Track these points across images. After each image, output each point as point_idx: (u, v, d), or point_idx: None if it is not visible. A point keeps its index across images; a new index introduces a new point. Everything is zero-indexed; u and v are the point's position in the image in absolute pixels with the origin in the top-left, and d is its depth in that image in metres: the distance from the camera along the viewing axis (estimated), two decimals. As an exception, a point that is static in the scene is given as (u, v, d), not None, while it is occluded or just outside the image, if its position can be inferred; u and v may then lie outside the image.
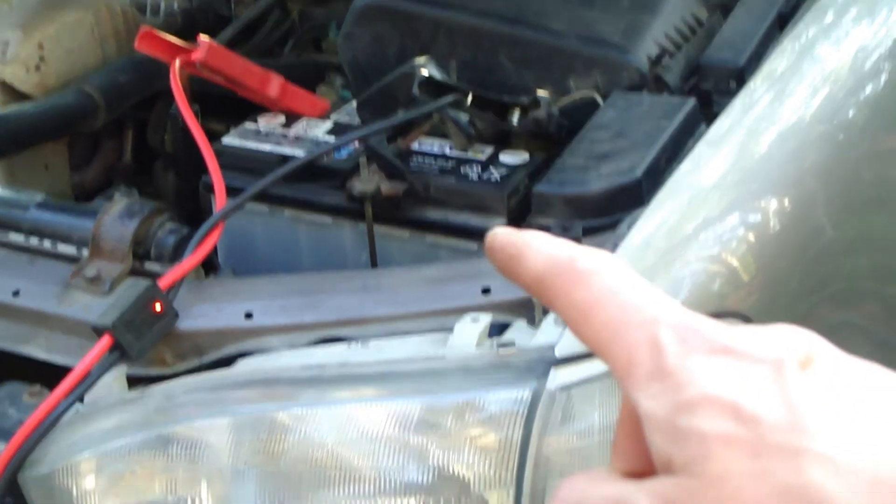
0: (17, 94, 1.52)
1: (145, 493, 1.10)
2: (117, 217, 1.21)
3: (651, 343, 0.40)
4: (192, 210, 1.39)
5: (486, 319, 1.07)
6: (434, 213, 1.24)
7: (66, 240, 1.24)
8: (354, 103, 1.45)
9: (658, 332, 0.40)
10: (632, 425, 0.42)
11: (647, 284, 0.42)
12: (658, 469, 0.38)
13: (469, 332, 1.06)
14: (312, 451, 1.07)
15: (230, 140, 1.36)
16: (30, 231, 1.26)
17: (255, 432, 1.07)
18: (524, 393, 1.02)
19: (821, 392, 0.37)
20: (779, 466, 0.35)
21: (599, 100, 1.33)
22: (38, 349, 1.17)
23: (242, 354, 1.12)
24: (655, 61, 1.38)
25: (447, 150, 1.29)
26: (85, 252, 1.21)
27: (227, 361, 1.11)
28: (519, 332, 1.07)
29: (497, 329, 1.08)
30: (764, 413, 0.37)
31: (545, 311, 1.06)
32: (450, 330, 1.07)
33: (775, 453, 0.36)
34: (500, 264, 0.45)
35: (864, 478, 0.35)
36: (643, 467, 0.40)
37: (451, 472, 1.06)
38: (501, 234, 0.46)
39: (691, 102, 1.29)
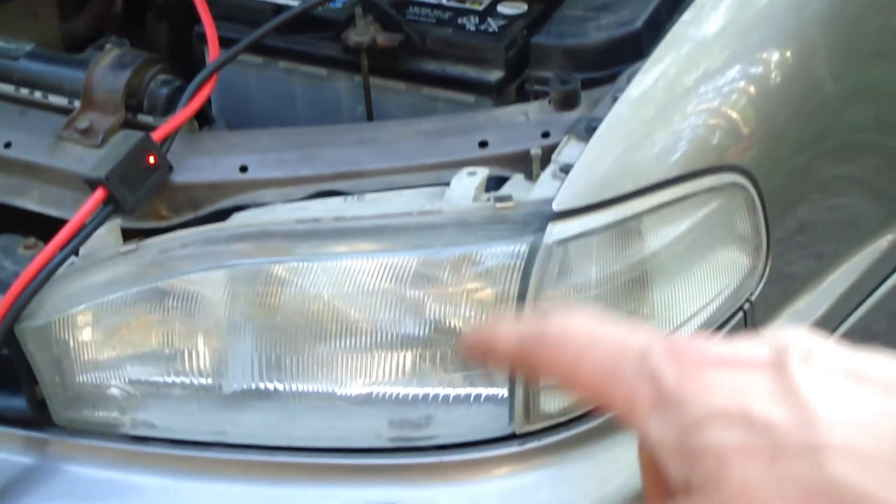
0: (4, -59, 1.48)
1: (141, 345, 1.11)
2: (109, 68, 1.19)
3: (645, 375, 0.39)
4: (184, 62, 1.37)
5: (482, 173, 1.06)
6: (431, 65, 1.22)
7: (58, 91, 1.22)
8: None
9: (650, 363, 0.39)
10: (651, 466, 0.42)
11: (620, 322, 0.42)
12: (679, 498, 0.38)
13: (466, 185, 1.05)
14: (308, 304, 1.07)
15: (224, -11, 1.34)
16: (20, 81, 1.24)
17: (251, 285, 1.07)
18: (521, 247, 1.02)
19: (826, 384, 0.37)
20: (799, 466, 0.35)
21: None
22: (31, 201, 1.16)
23: (238, 208, 1.11)
24: None
25: (444, 1, 1.26)
26: (76, 103, 1.19)
27: (223, 215, 1.11)
28: (516, 186, 1.06)
29: (494, 183, 1.07)
30: (774, 416, 0.36)
31: (543, 165, 1.06)
32: (446, 184, 1.06)
33: (793, 454, 0.35)
34: (478, 360, 0.46)
35: (888, 461, 0.35)
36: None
37: (447, 325, 1.07)
38: (467, 337, 0.46)
39: (695, -50, 1.26)
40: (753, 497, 0.35)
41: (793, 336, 0.39)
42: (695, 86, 1.13)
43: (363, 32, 1.21)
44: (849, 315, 1.36)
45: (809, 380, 0.37)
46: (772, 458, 0.35)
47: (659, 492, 0.41)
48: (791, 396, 0.36)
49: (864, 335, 1.34)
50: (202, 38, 1.24)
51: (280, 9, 1.26)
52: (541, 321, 0.43)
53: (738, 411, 0.36)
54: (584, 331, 0.42)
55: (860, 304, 1.37)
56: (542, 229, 1.01)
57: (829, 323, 1.31)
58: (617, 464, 1.08)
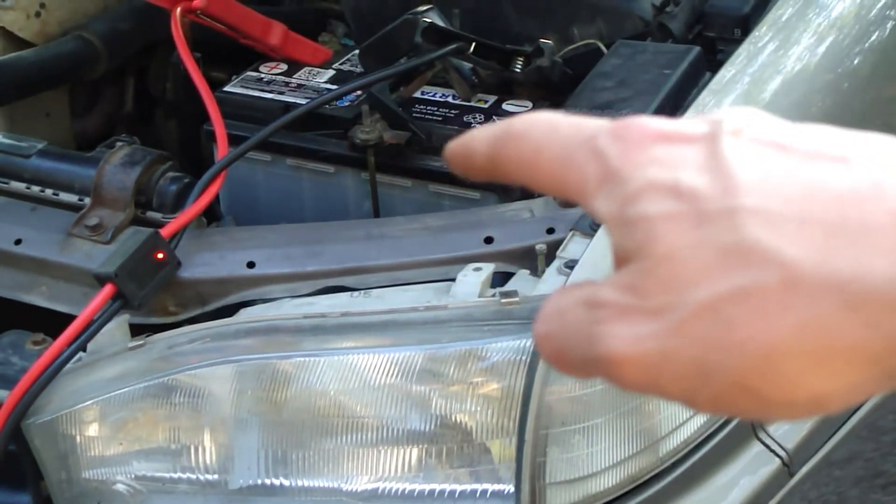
0: (17, 42, 1.51)
1: (148, 441, 1.10)
2: (119, 165, 1.20)
3: (594, 154, 0.42)
4: (193, 159, 1.39)
5: (488, 269, 1.07)
6: (437, 162, 1.24)
7: (68, 188, 1.23)
8: (357, 51, 1.44)
9: (597, 144, 0.42)
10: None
11: (581, 117, 0.45)
12: (620, 265, 0.40)
13: (471, 281, 1.06)
14: (315, 400, 1.07)
15: (232, 88, 1.36)
16: (31, 179, 1.25)
17: (258, 381, 1.08)
18: (527, 342, 1.02)
19: (750, 153, 0.39)
20: (717, 230, 0.37)
21: (603, 48, 1.32)
22: (40, 297, 1.17)
23: (245, 303, 1.11)
24: (660, 9, 1.37)
25: (450, 99, 1.28)
26: (87, 200, 1.20)
27: (230, 310, 1.11)
28: (521, 281, 1.07)
29: (499, 279, 1.08)
30: (699, 185, 0.38)
31: (548, 261, 1.06)
32: (452, 279, 1.07)
33: (713, 219, 0.38)
34: (460, 168, 0.48)
35: (794, 219, 0.37)
36: None
37: (453, 420, 1.07)
38: (452, 144, 0.49)
39: (695, 51, 1.28)
40: (677, 261, 0.38)
41: (731, 112, 0.42)
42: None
43: (370, 130, 1.22)
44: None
45: (735, 150, 0.39)
46: (695, 224, 0.38)
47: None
48: (717, 166, 0.39)
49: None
50: (211, 136, 1.26)
51: (288, 107, 1.28)
52: (508, 120, 0.46)
53: (669, 182, 0.39)
54: (543, 123, 0.44)
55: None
56: (548, 325, 1.02)
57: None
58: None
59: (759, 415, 0.39)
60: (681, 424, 1.11)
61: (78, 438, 1.10)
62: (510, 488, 1.06)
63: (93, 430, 1.10)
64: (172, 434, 1.10)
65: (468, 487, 1.08)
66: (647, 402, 1.08)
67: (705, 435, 1.13)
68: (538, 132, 0.45)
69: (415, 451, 1.07)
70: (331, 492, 1.09)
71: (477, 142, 0.47)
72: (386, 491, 1.08)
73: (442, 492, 1.07)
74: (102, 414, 1.10)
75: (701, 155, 0.40)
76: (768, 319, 0.36)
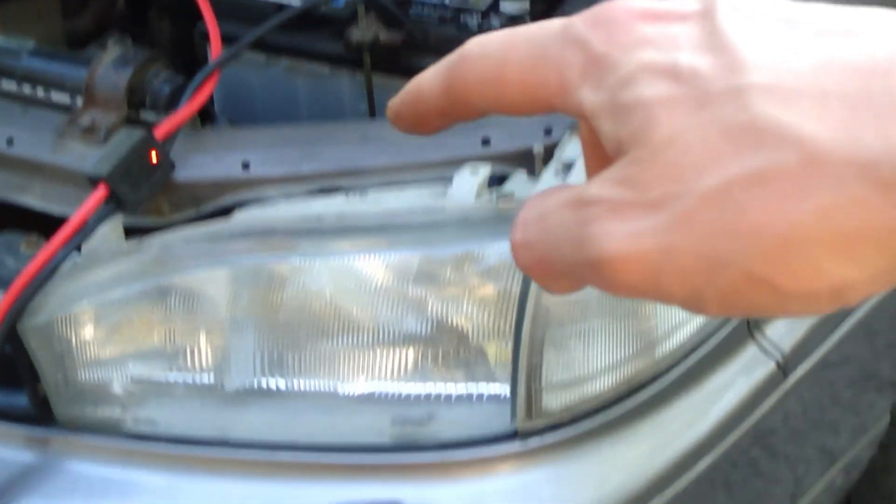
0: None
1: (143, 343, 1.11)
2: (111, 65, 1.19)
3: (572, 43, 0.38)
4: (187, 60, 1.36)
5: (485, 170, 1.06)
6: (433, 62, 1.22)
7: (60, 88, 1.22)
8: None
9: (573, 33, 0.38)
10: (590, 141, 0.41)
11: (530, 24, 0.41)
12: (614, 159, 0.37)
13: (468, 183, 1.05)
14: (311, 302, 1.07)
15: (225, -13, 1.34)
16: (23, 78, 1.24)
17: (254, 283, 1.07)
18: (523, 244, 1.02)
19: (754, 29, 0.36)
20: (723, 110, 0.34)
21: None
22: (33, 198, 1.16)
23: (240, 205, 1.11)
24: None
25: (446, 1, 1.26)
26: (79, 101, 1.19)
27: (225, 212, 1.10)
28: (518, 183, 1.06)
29: (496, 180, 1.07)
30: (700, 64, 0.35)
31: (545, 162, 1.05)
32: (449, 181, 1.06)
33: (718, 99, 0.35)
34: (410, 118, 0.44)
35: (810, 95, 0.34)
36: None
37: (449, 323, 1.07)
38: (391, 102, 0.44)
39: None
40: (679, 146, 0.34)
41: None
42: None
43: (366, 30, 1.20)
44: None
45: (737, 25, 0.36)
46: (698, 105, 0.35)
47: (600, 163, 0.40)
48: (718, 43, 0.36)
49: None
50: (205, 36, 1.23)
51: (282, 7, 1.26)
52: (455, 52, 0.42)
53: (665, 63, 0.36)
54: (501, 34, 0.40)
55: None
56: (545, 226, 1.01)
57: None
58: (619, 461, 1.08)
59: (773, 310, 0.36)
60: (677, 326, 1.11)
61: (73, 341, 1.10)
62: (506, 393, 1.06)
63: (88, 332, 1.10)
64: (168, 336, 1.10)
65: (464, 392, 1.08)
66: (644, 304, 1.08)
67: (701, 337, 1.13)
68: (497, 44, 0.40)
69: (411, 353, 1.07)
70: (327, 394, 1.09)
71: (425, 81, 0.43)
72: (382, 393, 1.09)
73: (438, 394, 1.08)
74: (97, 316, 1.10)
75: (697, 32, 0.36)
76: (787, 203, 0.33)
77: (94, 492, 1.08)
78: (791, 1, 0.38)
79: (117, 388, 1.11)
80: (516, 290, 1.03)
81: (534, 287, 1.02)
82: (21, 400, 1.12)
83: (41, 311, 1.08)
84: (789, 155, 0.33)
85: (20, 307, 1.05)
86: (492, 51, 0.40)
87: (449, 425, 1.07)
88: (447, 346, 1.07)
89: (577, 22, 0.39)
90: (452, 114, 0.43)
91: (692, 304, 0.36)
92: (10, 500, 1.07)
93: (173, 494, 1.07)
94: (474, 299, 1.05)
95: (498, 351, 1.07)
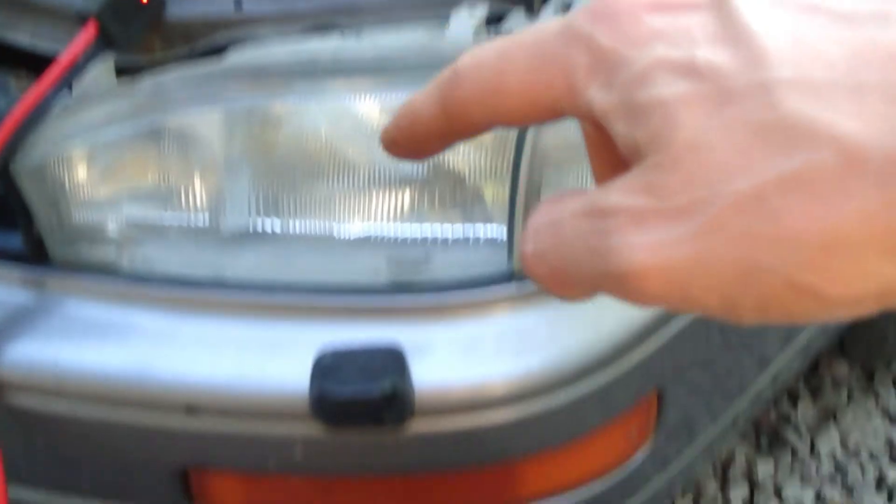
0: None
1: (138, 184, 1.10)
2: None
3: (575, 40, 0.35)
4: None
5: (482, 9, 1.04)
6: None
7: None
8: None
9: (575, 31, 0.35)
10: (597, 143, 0.39)
11: (524, 29, 0.38)
12: (631, 162, 0.34)
13: (466, 21, 1.03)
14: (306, 143, 1.06)
15: None
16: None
17: (248, 124, 1.06)
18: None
19: (773, 18, 0.33)
20: (749, 108, 0.32)
21: None
22: (23, 36, 1.14)
23: (233, 44, 1.09)
24: None
25: None
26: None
27: (217, 51, 1.08)
28: (516, 21, 1.04)
29: (494, 19, 1.05)
30: (720, 59, 0.33)
31: (544, 0, 1.03)
32: (446, 20, 1.04)
33: (742, 96, 0.32)
34: (406, 142, 0.41)
35: (843, 88, 0.31)
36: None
37: (446, 164, 1.06)
38: (385, 130, 0.41)
39: None
40: (704, 149, 0.32)
41: None
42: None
43: None
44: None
45: (755, 13, 0.33)
46: (721, 103, 0.32)
47: (609, 169, 0.38)
48: (736, 35, 0.33)
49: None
50: None
51: None
52: (447, 69, 0.39)
53: (681, 59, 0.33)
54: (495, 46, 0.37)
55: None
56: (544, 67, 1.00)
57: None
58: (614, 303, 1.08)
59: (816, 315, 0.33)
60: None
61: (66, 181, 1.09)
62: (503, 235, 1.06)
63: (81, 173, 1.09)
64: (162, 177, 1.09)
65: (461, 234, 1.08)
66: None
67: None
68: (492, 54, 0.37)
69: (407, 195, 1.07)
70: (322, 236, 1.09)
71: (419, 104, 0.39)
72: (378, 235, 1.08)
73: (435, 236, 1.07)
74: (90, 157, 1.09)
75: (713, 24, 0.34)
76: (827, 206, 0.31)
77: (92, 332, 1.08)
78: None
79: (112, 229, 1.11)
80: (514, 131, 1.02)
81: (531, 128, 1.01)
82: (16, 241, 1.12)
83: (33, 151, 1.06)
84: (826, 154, 0.31)
85: (12, 147, 1.04)
86: (487, 61, 0.37)
87: (445, 267, 1.07)
88: (443, 188, 1.06)
89: (577, 18, 0.36)
90: (452, 134, 0.40)
91: (726, 314, 0.34)
92: (8, 339, 1.07)
93: (170, 335, 1.08)
94: (472, 141, 1.04)
95: (495, 193, 1.06)
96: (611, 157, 0.38)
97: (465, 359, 1.05)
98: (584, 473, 1.16)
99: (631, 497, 1.25)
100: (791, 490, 1.89)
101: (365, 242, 1.08)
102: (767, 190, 0.31)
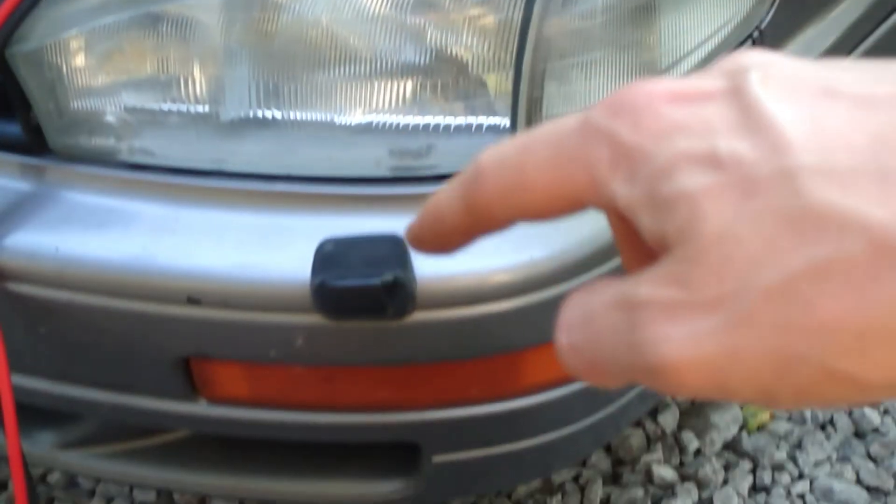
0: None
1: (136, 72, 1.08)
2: None
3: (596, 136, 0.36)
4: None
5: None
6: None
7: None
8: None
9: (594, 125, 0.36)
10: (625, 234, 0.39)
11: (543, 124, 0.38)
12: (659, 253, 0.34)
13: None
14: (307, 31, 1.04)
15: None
16: None
17: (248, 10, 1.04)
18: (526, -29, 0.98)
19: (792, 104, 0.33)
20: (775, 198, 0.32)
21: None
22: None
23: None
24: None
25: None
26: None
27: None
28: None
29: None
30: (741, 149, 0.33)
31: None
32: None
33: (767, 185, 0.32)
34: (432, 240, 0.42)
35: (867, 174, 0.31)
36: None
37: (449, 53, 1.04)
38: (411, 227, 0.43)
39: None
40: (732, 241, 0.32)
41: (746, 57, 0.36)
42: None
43: None
44: (860, 43, 1.33)
45: (772, 101, 0.33)
46: (745, 193, 0.32)
47: (637, 257, 0.39)
48: (756, 124, 0.33)
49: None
50: None
51: None
52: (468, 167, 0.40)
53: (703, 150, 0.33)
54: (515, 143, 0.38)
55: (872, 32, 1.34)
56: (549, -46, 0.98)
57: (840, 51, 1.28)
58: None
59: (853, 400, 0.33)
60: (683, 57, 1.09)
61: (64, 68, 1.08)
62: (506, 122, 1.05)
63: (79, 60, 1.08)
64: (161, 65, 1.07)
65: (463, 121, 1.06)
66: (649, 35, 1.05)
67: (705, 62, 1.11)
68: (513, 152, 0.38)
69: (409, 83, 1.05)
70: (323, 125, 1.07)
71: (444, 202, 0.41)
72: (379, 124, 1.07)
73: (437, 125, 1.06)
74: (88, 44, 1.07)
75: (731, 113, 0.33)
76: (859, 295, 0.31)
77: (92, 220, 1.08)
78: (820, 62, 0.35)
79: (111, 117, 1.10)
80: (518, 19, 1.00)
81: (535, 17, 0.99)
82: (14, 129, 1.10)
83: (30, 37, 1.05)
84: (855, 243, 0.31)
85: (8, 32, 1.03)
86: (508, 159, 0.38)
87: (447, 157, 1.06)
88: (446, 77, 1.05)
89: (595, 113, 0.36)
90: (477, 230, 0.41)
91: (763, 401, 0.34)
92: (8, 227, 1.07)
93: (170, 224, 1.07)
94: (474, 29, 1.02)
95: (498, 82, 1.04)
96: (638, 246, 0.39)
97: (468, 249, 1.04)
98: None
99: (633, 387, 1.25)
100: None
101: (366, 132, 1.07)
102: (798, 280, 0.31)
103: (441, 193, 0.41)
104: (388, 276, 0.98)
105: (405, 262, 1.00)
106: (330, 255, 1.00)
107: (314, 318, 1.02)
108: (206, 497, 1.59)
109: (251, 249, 1.04)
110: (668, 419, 1.84)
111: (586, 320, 0.36)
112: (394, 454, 1.26)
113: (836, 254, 0.31)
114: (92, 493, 1.68)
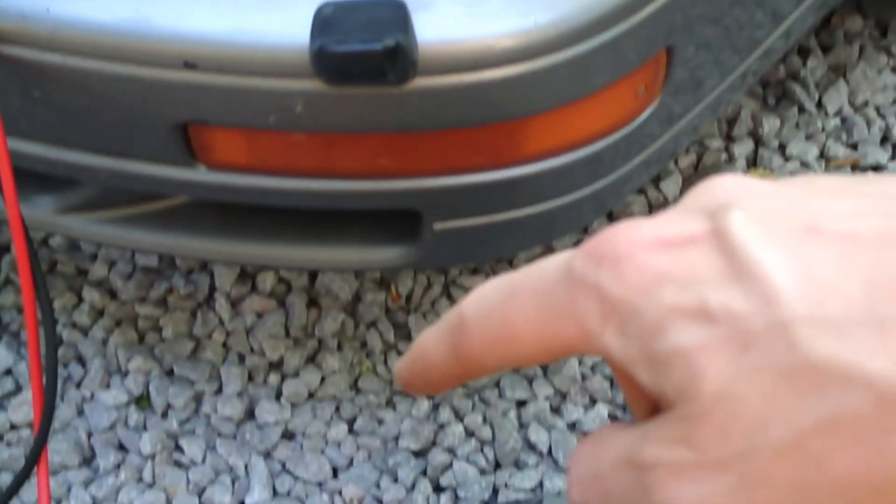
0: None
1: None
2: None
3: (580, 290, 0.35)
4: None
5: None
6: None
7: None
8: None
9: (577, 276, 0.35)
10: (627, 380, 0.38)
11: (525, 269, 0.37)
12: (662, 405, 0.34)
13: None
14: None
15: None
16: None
17: None
18: None
19: (778, 241, 0.32)
20: (771, 352, 0.31)
21: None
22: None
23: None
24: None
25: None
26: None
27: None
28: None
29: None
30: (733, 302, 0.31)
31: None
32: None
33: (763, 340, 0.31)
34: (421, 384, 0.41)
35: (864, 323, 0.30)
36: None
37: None
38: (399, 370, 0.42)
39: None
40: (731, 399, 0.31)
41: (723, 190, 0.34)
42: None
43: None
44: None
45: (757, 244, 0.32)
46: (741, 348, 0.31)
47: (643, 406, 0.38)
48: (743, 272, 0.32)
49: None
50: None
51: None
52: (453, 313, 0.39)
53: (693, 304, 0.32)
54: (498, 293, 0.37)
55: None
56: None
57: None
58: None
59: None
60: None
61: None
62: None
63: None
64: None
65: None
66: None
67: None
68: (497, 303, 0.37)
69: None
70: None
71: (430, 350, 0.40)
72: None
73: None
74: None
75: (716, 259, 0.32)
76: (872, 448, 0.30)
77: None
78: (795, 186, 0.33)
79: None
80: None
81: None
82: None
83: None
84: (859, 397, 0.30)
85: None
86: (494, 312, 0.37)
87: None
88: None
89: (578, 262, 0.35)
90: (466, 376, 0.40)
91: None
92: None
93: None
94: None
95: None
96: (642, 393, 0.37)
97: (470, 13, 1.02)
98: (591, 132, 1.14)
99: (637, 155, 1.24)
100: (795, 146, 1.89)
101: None
102: (806, 437, 0.30)
103: (427, 341, 0.41)
104: (389, 41, 0.95)
105: (406, 27, 0.97)
106: (329, 19, 0.97)
107: (314, 84, 1.00)
108: (207, 261, 1.60)
109: (249, 12, 1.02)
110: (671, 186, 1.84)
111: (596, 478, 0.36)
112: (395, 222, 1.26)
113: (843, 408, 0.30)
114: (94, 258, 1.69)
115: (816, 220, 0.33)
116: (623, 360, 0.34)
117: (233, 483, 1.45)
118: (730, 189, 0.35)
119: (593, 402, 1.53)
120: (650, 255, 0.34)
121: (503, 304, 0.37)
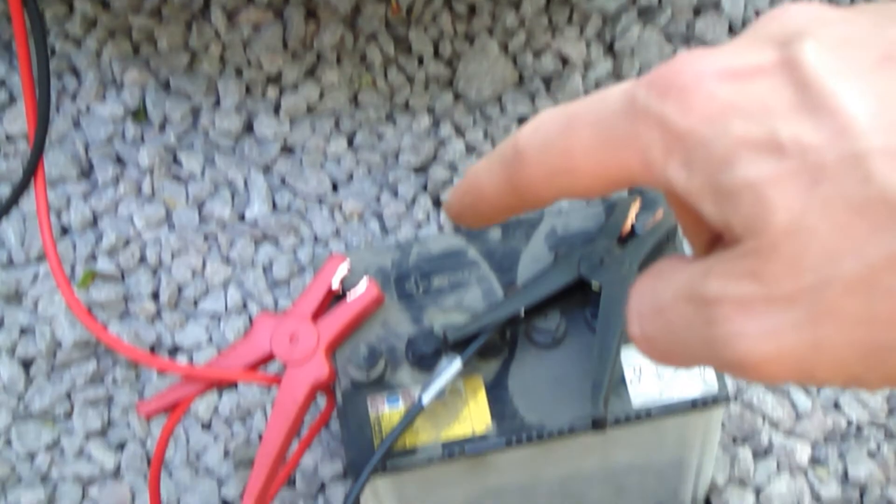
0: None
1: None
2: None
3: (644, 118, 0.33)
4: None
5: None
6: None
7: None
8: None
9: (641, 106, 0.33)
10: (687, 214, 0.38)
11: (583, 100, 0.36)
12: (727, 239, 0.33)
13: None
14: None
15: None
16: None
17: None
18: None
19: (852, 70, 0.30)
20: (844, 184, 0.30)
21: None
22: None
23: None
24: None
25: None
26: None
27: None
28: None
29: None
30: (804, 133, 0.30)
31: None
32: None
33: (835, 172, 0.30)
34: (473, 215, 0.41)
35: None
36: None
37: None
38: (450, 201, 0.41)
39: None
40: (803, 233, 0.31)
41: (793, 18, 0.32)
42: None
43: None
44: None
45: (831, 73, 0.31)
46: (812, 181, 0.30)
47: (702, 234, 0.37)
48: (816, 103, 0.31)
49: None
50: None
51: None
52: (507, 145, 0.38)
53: (763, 136, 0.31)
54: (557, 124, 0.36)
55: None
56: None
57: None
58: None
59: None
60: None
61: None
62: None
63: None
64: None
65: None
66: None
67: None
68: (555, 133, 0.36)
69: None
70: None
71: (484, 181, 0.39)
72: None
73: None
74: None
75: (787, 90, 0.31)
76: None
77: None
78: (872, 12, 0.32)
79: None
80: None
81: None
82: None
83: None
84: None
85: None
86: (552, 142, 0.36)
87: None
88: None
89: (641, 92, 0.34)
90: (521, 208, 0.39)
91: (851, 386, 0.33)
92: None
93: None
94: None
95: None
96: (702, 225, 0.37)
97: None
98: None
99: None
100: None
101: None
102: (878, 270, 0.30)
103: (480, 172, 0.40)
104: None
105: None
106: None
107: None
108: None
109: None
110: None
111: (658, 313, 0.35)
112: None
113: None
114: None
115: (892, 48, 0.31)
116: (687, 192, 0.34)
117: (232, 197, 1.44)
118: (800, 17, 0.33)
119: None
120: (718, 85, 0.33)
121: (561, 136, 0.37)
